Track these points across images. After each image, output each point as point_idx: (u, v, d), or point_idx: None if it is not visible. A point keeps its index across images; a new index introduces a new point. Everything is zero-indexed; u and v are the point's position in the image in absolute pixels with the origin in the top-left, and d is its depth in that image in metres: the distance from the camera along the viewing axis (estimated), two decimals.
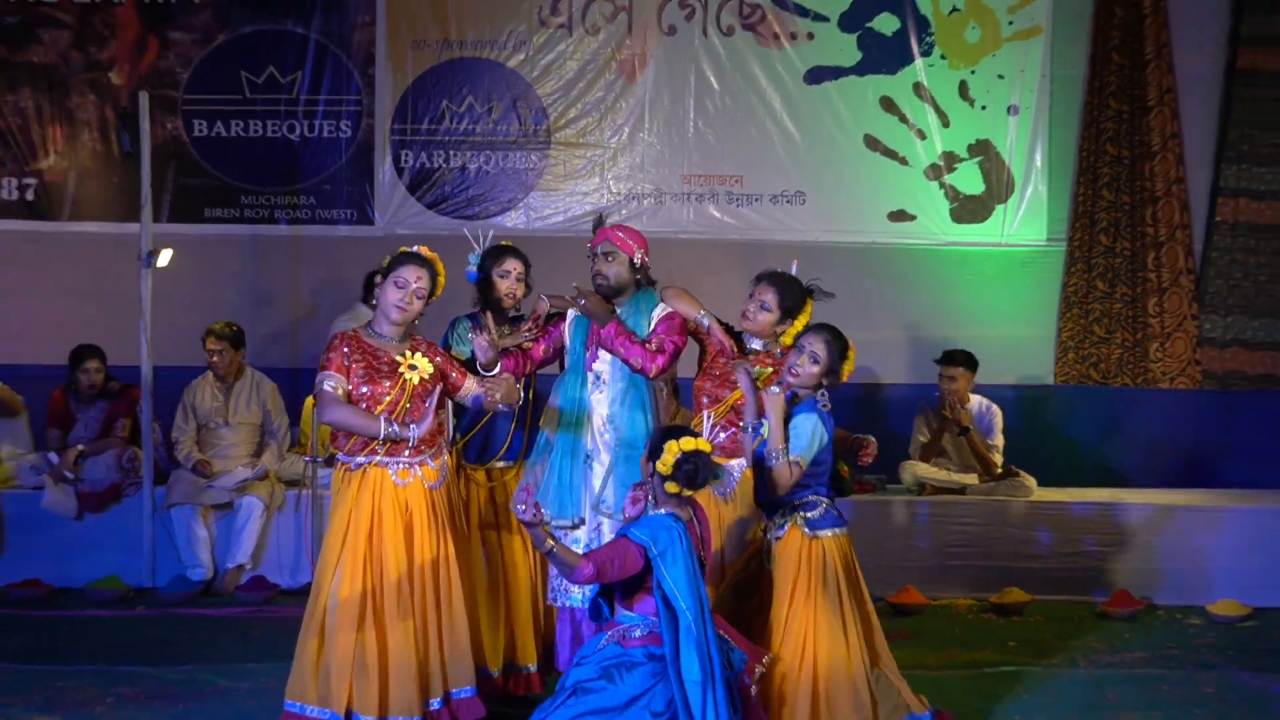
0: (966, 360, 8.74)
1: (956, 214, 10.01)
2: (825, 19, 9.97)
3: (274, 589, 8.39)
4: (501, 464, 6.21)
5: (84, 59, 10.18)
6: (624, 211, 9.94)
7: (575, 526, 5.62)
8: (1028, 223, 9.99)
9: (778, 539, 5.44)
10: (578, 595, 5.53)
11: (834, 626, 5.35)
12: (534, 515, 4.56)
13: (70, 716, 5.91)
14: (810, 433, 5.24)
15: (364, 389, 5.30)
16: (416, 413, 5.30)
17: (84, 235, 10.12)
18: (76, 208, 10.19)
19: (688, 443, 4.72)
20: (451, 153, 10.13)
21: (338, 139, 10.14)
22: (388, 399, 5.30)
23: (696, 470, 4.70)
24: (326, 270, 10.06)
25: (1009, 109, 9.97)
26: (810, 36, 9.97)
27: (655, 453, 4.76)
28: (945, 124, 9.98)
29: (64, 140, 10.19)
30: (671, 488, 4.71)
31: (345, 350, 5.32)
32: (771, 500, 5.40)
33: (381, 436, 5.19)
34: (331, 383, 5.25)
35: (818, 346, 5.29)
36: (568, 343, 5.88)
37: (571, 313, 5.82)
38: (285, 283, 10.13)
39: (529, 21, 10.07)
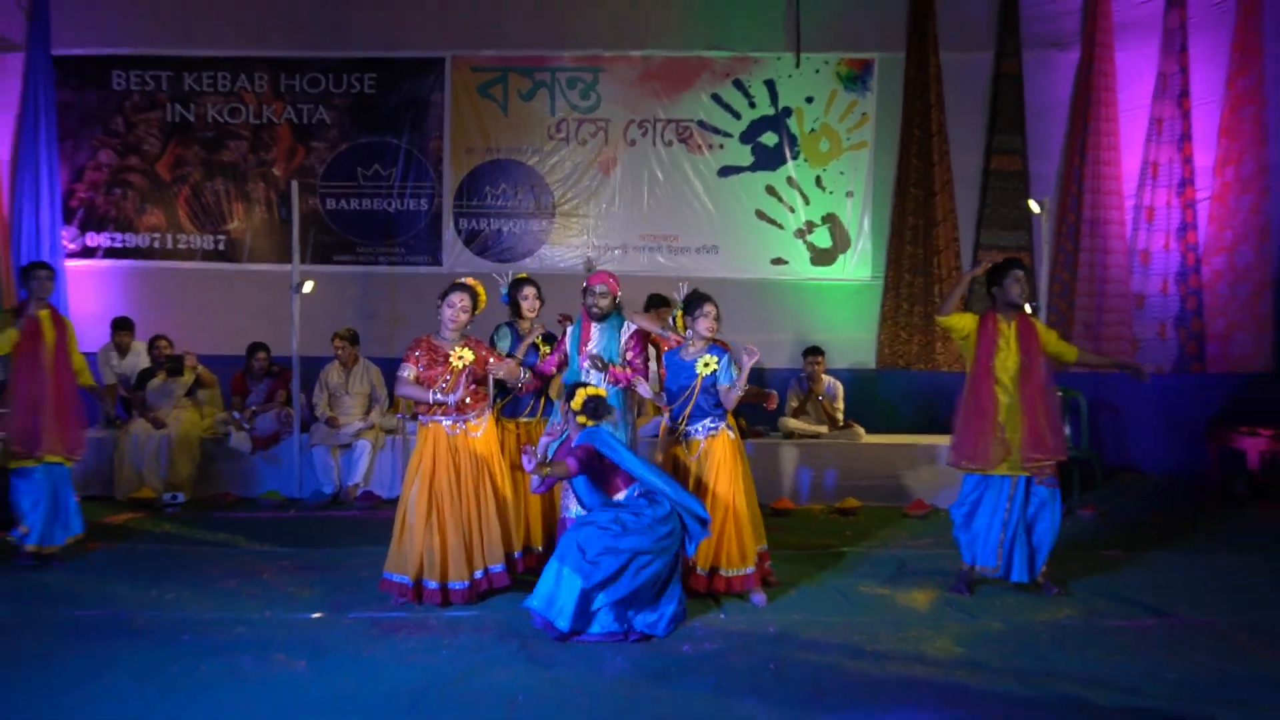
0: (821, 352, 9.04)
1: (814, 260, 10.08)
2: (730, 135, 10.06)
3: (378, 499, 8.45)
4: (525, 419, 6.31)
5: (256, 159, 10.26)
6: (602, 258, 9.91)
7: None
8: (859, 267, 10.06)
9: (712, 436, 5.67)
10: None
11: (748, 483, 5.81)
12: (535, 466, 4.95)
13: (247, 581, 6.02)
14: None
15: (427, 372, 5.53)
16: (457, 387, 5.54)
17: (256, 272, 10.18)
18: (251, 254, 10.25)
19: (591, 390, 5.33)
20: (491, 220, 10.21)
21: (419, 211, 10.21)
22: (440, 378, 5.55)
23: (597, 408, 5.25)
24: (411, 295, 10.00)
25: (847, 194, 10.03)
26: (721, 147, 10.07)
27: (570, 397, 5.28)
28: (806, 203, 10.06)
29: (243, 211, 10.26)
30: (581, 419, 5.24)
31: (417, 351, 5.58)
32: (711, 413, 5.64)
33: (431, 401, 5.50)
34: (406, 371, 5.56)
35: (712, 310, 5.64)
36: (568, 352, 5.88)
37: (570, 330, 5.89)
38: (385, 303, 10.17)
39: (540, 137, 10.12)
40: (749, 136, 10.17)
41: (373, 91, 10.29)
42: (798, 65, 10.04)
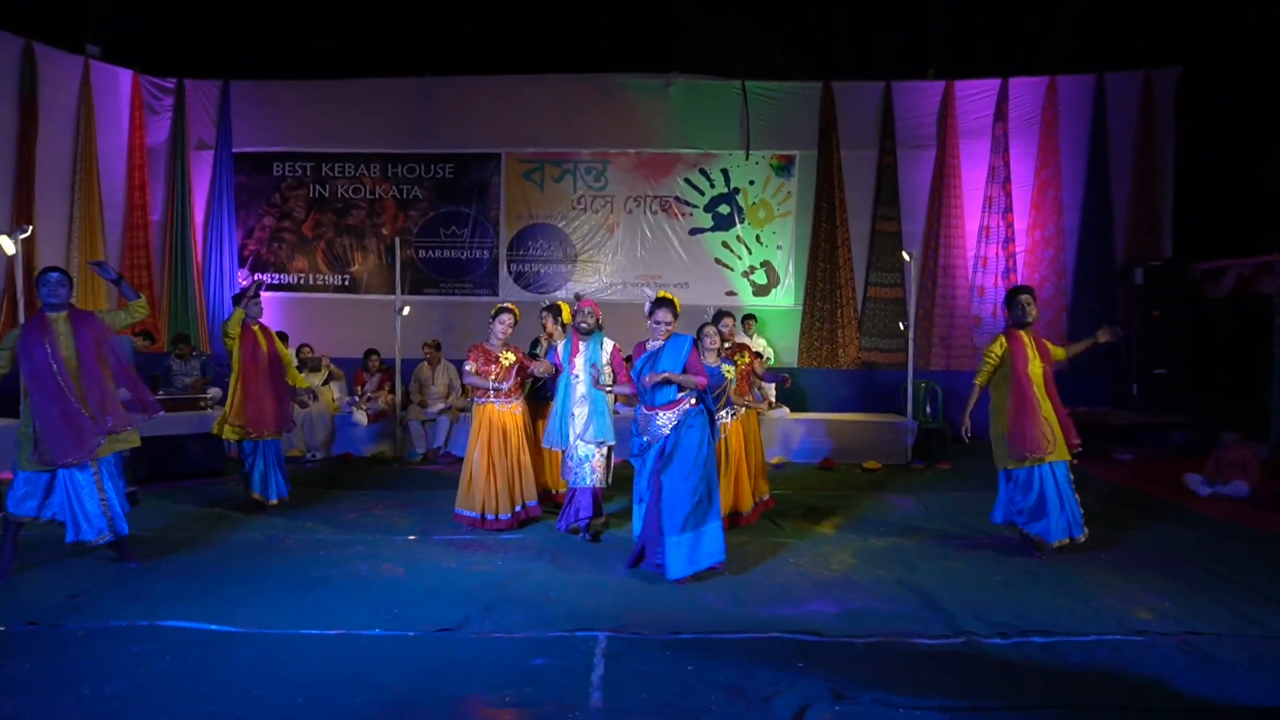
0: (757, 355, 9.09)
1: (755, 293, 10.07)
2: (697, 206, 10.08)
3: (454, 458, 8.38)
4: (548, 401, 6.08)
5: (371, 223, 10.31)
6: (609, 291, 9.97)
7: (563, 450, 5.36)
8: (786, 297, 10.05)
9: (735, 417, 5.57)
10: (586, 478, 5.27)
11: (760, 444, 5.88)
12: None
13: (364, 514, 6.01)
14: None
15: (483, 367, 5.54)
16: (504, 378, 5.54)
17: (370, 300, 10.19)
18: (367, 288, 10.27)
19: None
20: (532, 264, 10.20)
21: (482, 258, 10.21)
22: (492, 372, 5.53)
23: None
24: (478, 316, 9.96)
25: (778, 247, 10.06)
26: (691, 214, 10.09)
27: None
28: (750, 253, 10.08)
29: (362, 258, 10.30)
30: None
31: (476, 354, 5.57)
32: (729, 405, 5.51)
33: (490, 388, 5.50)
34: (469, 365, 5.56)
35: (711, 331, 5.40)
36: (560, 362, 5.40)
37: (561, 345, 5.44)
38: (459, 321, 10.15)
39: (567, 207, 10.16)
40: (710, 207, 10.19)
41: (451, 176, 10.30)
42: (747, 157, 10.07)
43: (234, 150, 10.24)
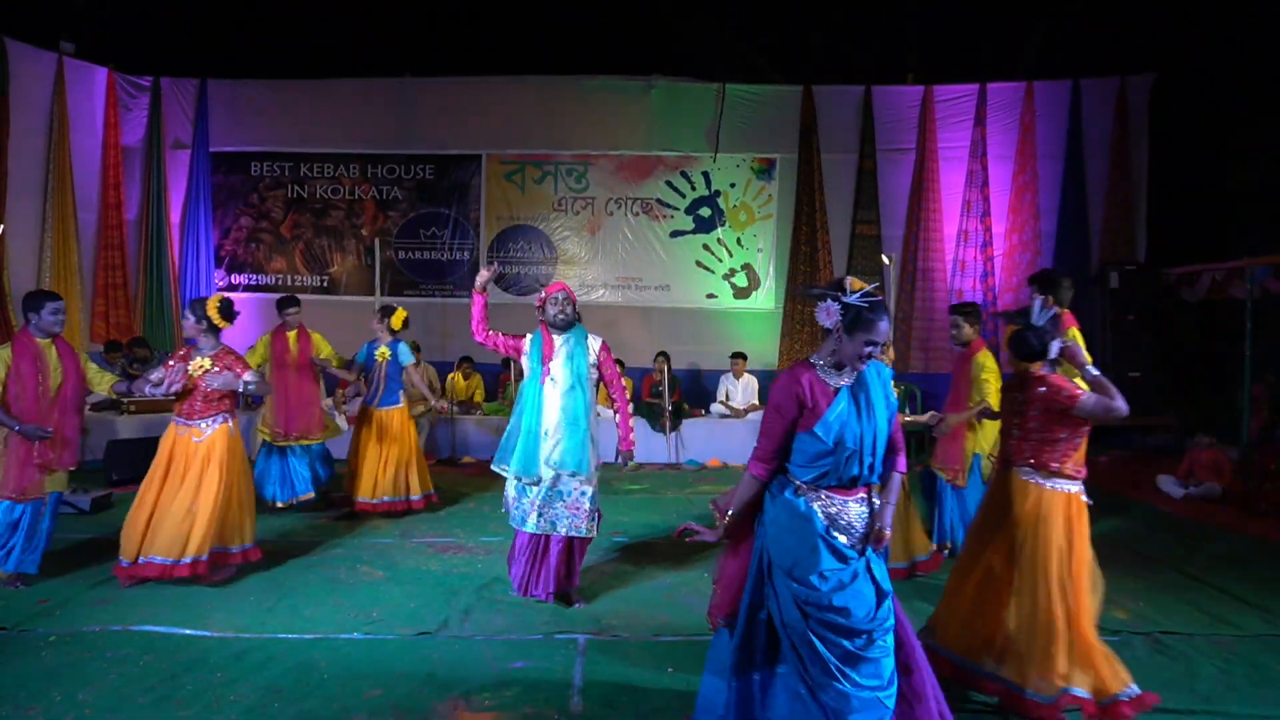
0: (744, 357, 9.08)
1: (736, 295, 10.07)
2: (678, 209, 10.05)
3: (434, 459, 8.19)
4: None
5: (350, 224, 10.21)
6: (591, 292, 9.91)
7: (535, 483, 4.06)
8: (766, 299, 10.05)
9: None
10: (554, 525, 4.06)
11: None
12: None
13: (340, 516, 5.92)
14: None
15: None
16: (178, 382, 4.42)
17: (349, 302, 9.99)
18: (346, 289, 10.16)
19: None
20: (512, 266, 10.12)
21: (463, 260, 10.12)
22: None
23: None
24: (458, 319, 9.85)
25: (758, 250, 10.05)
26: (671, 217, 10.06)
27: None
28: (730, 256, 10.07)
29: (341, 259, 10.20)
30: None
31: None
32: None
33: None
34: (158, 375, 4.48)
35: None
36: (526, 358, 4.15)
37: (529, 336, 4.17)
38: (439, 323, 10.03)
39: (547, 209, 10.10)
40: (691, 210, 10.18)
41: (431, 177, 10.24)
42: (715, 159, 10.06)
43: (211, 150, 10.11)
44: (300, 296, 9.95)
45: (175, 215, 10.12)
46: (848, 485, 2.50)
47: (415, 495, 6.04)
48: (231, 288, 10.24)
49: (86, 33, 9.65)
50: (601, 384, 4.28)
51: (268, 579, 4.49)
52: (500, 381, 9.42)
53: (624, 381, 4.52)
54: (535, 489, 4.08)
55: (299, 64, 10.40)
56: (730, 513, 2.60)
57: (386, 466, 5.92)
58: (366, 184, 10.27)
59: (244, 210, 10.28)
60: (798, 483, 2.51)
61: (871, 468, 2.51)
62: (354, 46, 10.89)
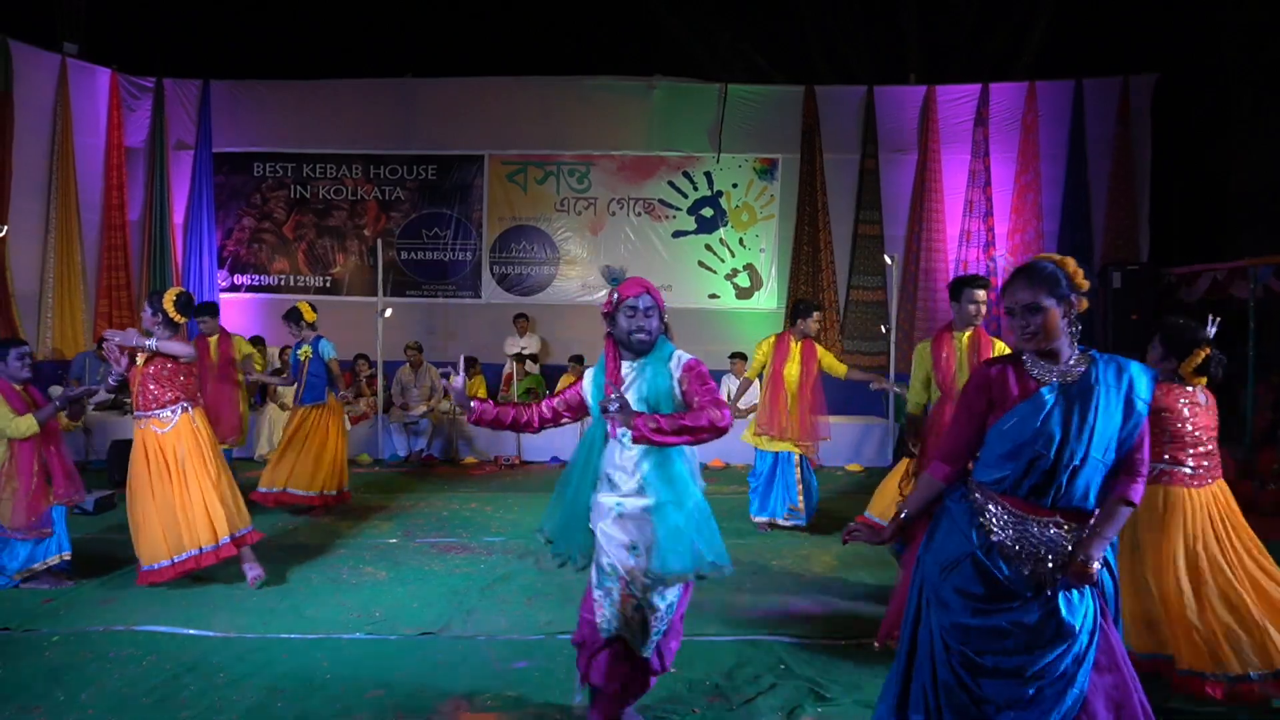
0: (744, 357, 8.83)
1: (738, 296, 10.05)
2: (680, 209, 10.02)
3: (437, 461, 8.31)
4: None
5: (353, 224, 10.21)
6: (593, 292, 9.84)
7: (582, 568, 2.72)
8: (768, 300, 10.01)
9: None
10: (607, 627, 2.67)
11: None
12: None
13: (343, 516, 5.98)
14: None
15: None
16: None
17: (352, 302, 10.04)
18: (348, 289, 10.17)
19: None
20: (516, 267, 10.12)
21: (465, 260, 10.12)
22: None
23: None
24: (460, 318, 10.02)
25: (761, 250, 10.01)
26: (674, 217, 10.04)
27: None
28: (733, 256, 10.05)
29: (343, 259, 10.21)
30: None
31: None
32: None
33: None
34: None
35: None
36: (587, 400, 2.75)
37: (589, 373, 2.80)
38: (441, 323, 10.09)
39: (550, 209, 10.08)
40: (693, 210, 10.16)
41: (434, 178, 10.23)
42: (718, 160, 10.03)
43: (214, 150, 10.11)
44: (303, 297, 10.15)
45: (178, 216, 10.13)
46: (1036, 502, 2.08)
47: (329, 492, 5.98)
48: (234, 288, 10.26)
49: (90, 34, 9.69)
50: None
51: (271, 579, 4.48)
52: (504, 379, 9.38)
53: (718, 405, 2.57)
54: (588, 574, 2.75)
55: (302, 64, 10.45)
56: (904, 514, 2.30)
57: (297, 460, 5.88)
58: (369, 184, 10.26)
59: (247, 211, 10.28)
60: (973, 482, 2.18)
61: (1073, 486, 2.05)
62: (356, 47, 10.95)
